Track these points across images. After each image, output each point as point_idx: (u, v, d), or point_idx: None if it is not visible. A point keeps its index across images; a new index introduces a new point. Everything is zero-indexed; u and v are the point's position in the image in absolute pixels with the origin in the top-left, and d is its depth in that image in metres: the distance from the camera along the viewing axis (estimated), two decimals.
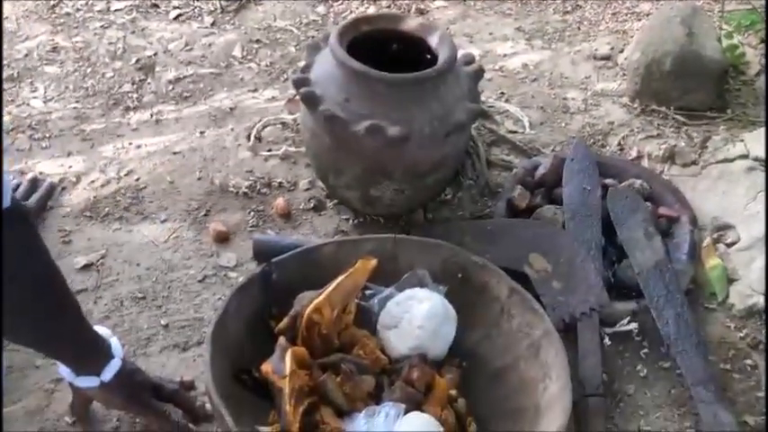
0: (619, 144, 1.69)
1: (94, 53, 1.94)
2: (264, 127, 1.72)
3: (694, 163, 1.60)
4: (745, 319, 1.33)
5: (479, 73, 1.50)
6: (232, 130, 1.73)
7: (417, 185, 1.44)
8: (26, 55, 1.92)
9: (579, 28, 2.21)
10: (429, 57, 1.48)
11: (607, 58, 2.03)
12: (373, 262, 1.19)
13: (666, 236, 1.42)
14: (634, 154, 1.66)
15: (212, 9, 2.17)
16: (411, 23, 1.51)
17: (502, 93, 1.90)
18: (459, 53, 1.50)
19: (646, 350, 1.28)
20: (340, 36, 1.42)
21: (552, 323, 1.13)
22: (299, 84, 1.41)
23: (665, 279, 1.31)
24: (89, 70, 1.88)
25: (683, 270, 1.35)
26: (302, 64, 1.48)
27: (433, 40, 1.47)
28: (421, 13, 2.27)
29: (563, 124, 1.78)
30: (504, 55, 2.09)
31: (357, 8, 2.26)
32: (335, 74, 1.39)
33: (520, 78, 1.98)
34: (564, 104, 1.85)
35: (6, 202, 0.77)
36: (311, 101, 1.38)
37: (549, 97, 1.89)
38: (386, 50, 1.53)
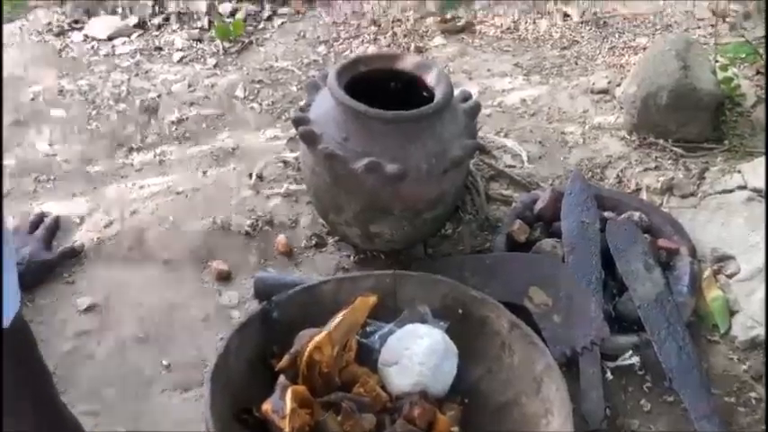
0: (617, 177, 1.71)
1: (99, 96, 1.97)
2: (266, 166, 1.74)
3: (693, 194, 1.61)
4: (748, 350, 1.33)
5: (476, 109, 1.53)
6: (234, 169, 1.75)
7: (417, 221, 1.45)
8: (33, 99, 1.95)
9: (576, 63, 2.24)
10: (426, 94, 1.50)
11: (605, 91, 2.06)
12: (373, 299, 1.20)
13: (666, 268, 1.42)
14: (633, 186, 1.67)
15: (215, 51, 2.21)
16: (407, 62, 1.54)
17: (500, 128, 1.92)
18: (456, 90, 1.53)
19: (649, 384, 1.27)
20: (338, 76, 1.45)
21: (553, 357, 1.13)
22: (298, 122, 1.43)
23: (666, 312, 1.31)
24: (94, 113, 1.91)
25: (684, 302, 1.35)
26: (302, 103, 1.51)
27: (430, 78, 1.50)
28: (420, 51, 2.31)
29: (561, 158, 1.80)
30: (503, 90, 2.12)
31: (357, 48, 2.30)
32: (334, 112, 1.41)
33: (518, 114, 2.00)
34: (562, 138, 1.87)
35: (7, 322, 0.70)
36: (310, 139, 1.40)
37: (547, 132, 1.91)
38: (384, 88, 1.55)
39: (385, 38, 2.35)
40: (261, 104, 2.00)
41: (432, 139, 1.39)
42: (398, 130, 1.39)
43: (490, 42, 2.37)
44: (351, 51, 2.28)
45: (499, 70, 2.23)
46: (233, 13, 2.36)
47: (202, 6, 2.33)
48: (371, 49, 2.29)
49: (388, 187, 1.37)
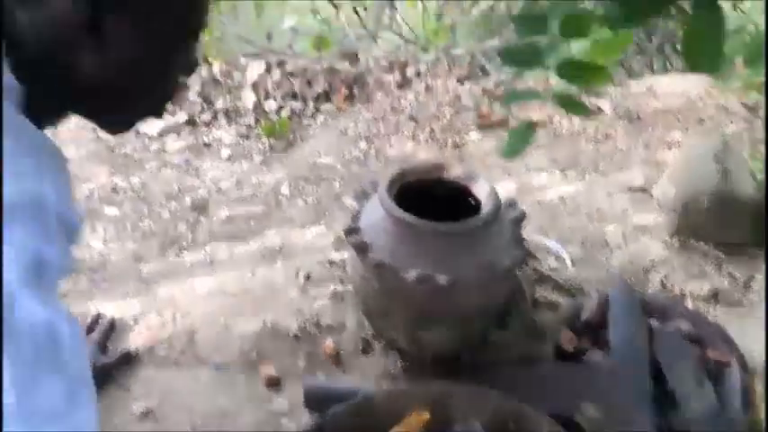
0: (661, 282, 1.72)
1: (151, 193, 2.05)
2: (312, 266, 1.78)
3: (739, 303, 1.61)
4: None
5: (521, 218, 1.56)
6: (281, 268, 1.79)
7: (465, 329, 1.47)
8: (88, 196, 2.04)
9: (612, 158, 2.29)
10: (472, 201, 1.55)
11: (642, 190, 2.09)
12: (427, 415, 1.21)
13: (717, 380, 1.41)
14: (677, 292, 1.67)
15: (261, 148, 2.29)
16: (454, 172, 1.59)
17: (541, 226, 1.95)
18: (502, 197, 1.57)
19: None
20: (388, 187, 1.50)
21: None
22: (349, 232, 1.48)
23: (719, 428, 1.30)
24: (146, 210, 1.99)
25: (737, 418, 1.34)
26: (352, 206, 1.56)
27: (477, 188, 1.54)
28: (457, 146, 2.38)
29: (604, 260, 1.82)
30: (541, 187, 2.16)
31: (396, 143, 2.37)
32: (384, 223, 1.46)
33: (557, 211, 2.04)
34: (603, 239, 1.89)
35: None
36: (361, 249, 1.44)
37: (587, 231, 1.93)
38: (431, 195, 1.60)
39: (423, 133, 2.43)
40: (306, 201, 2.06)
41: (481, 250, 1.42)
42: (448, 240, 1.42)
43: None
44: (390, 146, 2.35)
45: (536, 165, 2.28)
46: (278, 111, 2.45)
47: (249, 104, 2.44)
48: (410, 145, 2.36)
49: (437, 297, 1.40)
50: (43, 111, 0.75)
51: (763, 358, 1.46)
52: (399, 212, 1.44)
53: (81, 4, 0.69)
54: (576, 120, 2.53)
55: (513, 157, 0.97)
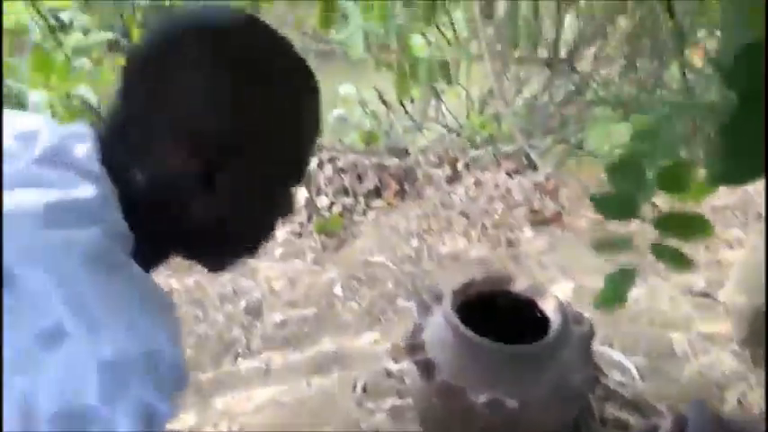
0: (738, 400, 1.63)
1: (206, 295, 2.05)
2: (369, 376, 1.74)
3: None
4: None
5: (591, 334, 1.51)
6: (337, 378, 1.75)
7: None
8: None
9: None
10: (538, 315, 1.51)
11: (706, 294, 2.02)
12: None
13: None
14: (756, 411, 1.59)
15: (314, 245, 2.29)
16: (520, 285, 1.56)
17: (604, 335, 1.89)
18: (569, 310, 1.52)
19: None
20: (452, 302, 1.47)
21: None
22: (412, 349, 1.44)
23: None
24: (201, 314, 1.98)
25: None
26: (414, 319, 1.53)
27: (543, 303, 1.50)
28: (510, 244, 2.35)
29: (672, 373, 1.74)
30: (600, 290, 2.10)
31: (449, 240, 2.35)
32: (450, 341, 1.42)
33: (619, 317, 1.97)
34: (669, 348, 1.82)
35: None
36: (425, 368, 1.40)
37: (652, 340, 1.86)
38: (495, 306, 1.57)
39: (475, 230, 2.41)
40: (359, 304, 2.04)
41: (550, 371, 1.37)
42: (517, 362, 1.38)
43: (581, 235, 2.39)
44: (442, 243, 2.33)
45: (592, 266, 2.22)
46: (330, 207, 2.47)
47: (302, 200, 2.46)
48: (462, 243, 2.34)
49: (506, 420, 1.34)
50: (149, 255, 0.75)
51: None
52: (467, 332, 1.40)
53: (197, 158, 0.71)
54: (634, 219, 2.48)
55: (609, 308, 0.93)
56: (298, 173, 0.81)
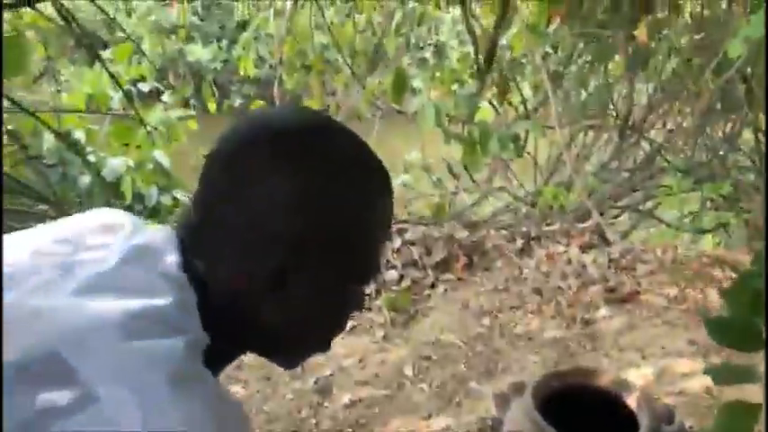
0: None
1: (275, 372, 2.03)
2: None
3: None
4: None
5: None
6: None
7: None
8: None
9: None
10: (624, 411, 1.43)
11: None
12: None
13: None
14: None
15: (382, 321, 2.26)
16: (604, 379, 1.49)
17: (688, 426, 1.78)
18: (657, 407, 1.44)
19: None
20: (534, 396, 1.41)
21: None
22: None
23: None
24: (270, 391, 1.96)
25: None
26: (491, 414, 1.47)
27: (630, 400, 1.43)
28: (587, 323, 2.26)
29: None
30: (682, 375, 2.00)
31: (521, 319, 2.29)
32: None
33: (703, 405, 1.86)
34: None
35: None
36: None
37: None
38: (577, 402, 1.49)
39: (548, 307, 2.34)
40: (430, 385, 1.98)
41: None
42: None
43: (659, 314, 2.29)
44: (514, 324, 2.27)
45: (674, 348, 2.12)
46: (399, 280, 2.44)
47: None
48: (536, 322, 2.27)
49: None
50: (220, 358, 0.74)
51: None
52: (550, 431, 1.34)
53: (273, 261, 0.70)
54: (712, 294, 2.38)
55: None
56: (370, 273, 0.80)
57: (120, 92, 2.56)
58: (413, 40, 6.26)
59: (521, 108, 3.46)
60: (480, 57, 2.98)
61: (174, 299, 0.67)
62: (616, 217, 3.74)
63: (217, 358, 0.71)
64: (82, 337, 0.62)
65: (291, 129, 0.74)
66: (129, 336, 0.63)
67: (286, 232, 0.71)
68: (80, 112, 2.69)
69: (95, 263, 0.69)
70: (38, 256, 0.70)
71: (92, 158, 3.00)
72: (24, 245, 0.72)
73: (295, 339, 0.79)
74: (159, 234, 0.74)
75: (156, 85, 3.27)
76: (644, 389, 1.50)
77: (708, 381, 1.99)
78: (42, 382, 0.60)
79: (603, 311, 2.32)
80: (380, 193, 0.77)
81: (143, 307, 0.65)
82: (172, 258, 0.71)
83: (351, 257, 0.76)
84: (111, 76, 2.11)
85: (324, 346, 0.84)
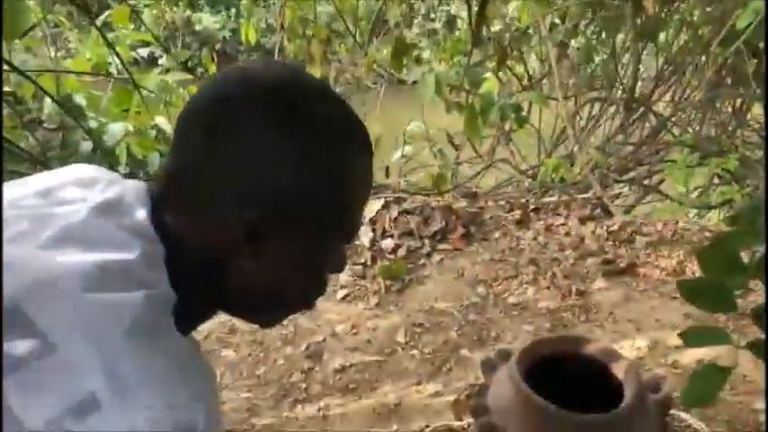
0: None
1: (268, 337, 2.03)
2: None
3: None
4: None
5: (668, 403, 1.41)
6: (397, 431, 1.70)
7: None
8: (206, 337, 2.05)
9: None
10: (610, 381, 1.42)
11: None
12: None
13: None
14: None
15: (377, 289, 2.26)
16: (592, 348, 1.47)
17: (678, 396, 1.78)
18: (644, 376, 1.43)
19: None
20: (519, 363, 1.40)
21: None
22: (477, 412, 1.38)
23: None
24: (261, 355, 1.97)
25: None
26: (478, 378, 1.47)
27: (617, 369, 1.41)
28: (582, 294, 2.25)
29: None
30: (676, 347, 1.99)
31: (516, 289, 2.28)
32: (516, 406, 1.34)
33: None
34: (755, 421, 1.69)
35: None
36: None
37: (734, 407, 1.74)
38: (564, 370, 1.49)
39: (544, 278, 2.33)
40: (422, 351, 1.98)
41: None
42: (587, 430, 1.30)
43: (656, 287, 2.28)
44: (509, 293, 2.26)
45: (669, 321, 2.11)
46: (395, 249, 2.43)
47: (366, 241, 2.43)
48: (531, 291, 2.26)
49: None
50: (193, 314, 0.73)
51: None
52: (534, 397, 1.33)
53: (248, 217, 0.69)
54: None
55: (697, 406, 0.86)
56: (350, 232, 0.78)
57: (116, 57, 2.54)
58: (422, 11, 6.18)
59: (525, 79, 3.42)
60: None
61: (140, 253, 0.67)
62: (619, 193, 3.72)
63: (188, 315, 0.70)
64: (41, 289, 0.62)
65: (269, 84, 0.72)
66: (88, 288, 0.63)
67: (262, 187, 0.69)
68: (75, 72, 2.66)
69: (68, 216, 0.69)
70: (15, 207, 0.70)
71: (93, 124, 2.99)
72: (4, 196, 0.72)
73: (268, 298, 0.78)
74: (132, 188, 0.73)
75: (160, 51, 3.24)
76: (632, 359, 1.50)
77: (699, 353, 1.99)
78: (5, 335, 0.60)
79: (600, 283, 2.31)
80: (361, 151, 0.76)
81: (105, 260, 0.65)
82: (142, 212, 0.70)
83: (330, 216, 0.74)
84: (105, 39, 2.09)
85: (303, 305, 0.83)
